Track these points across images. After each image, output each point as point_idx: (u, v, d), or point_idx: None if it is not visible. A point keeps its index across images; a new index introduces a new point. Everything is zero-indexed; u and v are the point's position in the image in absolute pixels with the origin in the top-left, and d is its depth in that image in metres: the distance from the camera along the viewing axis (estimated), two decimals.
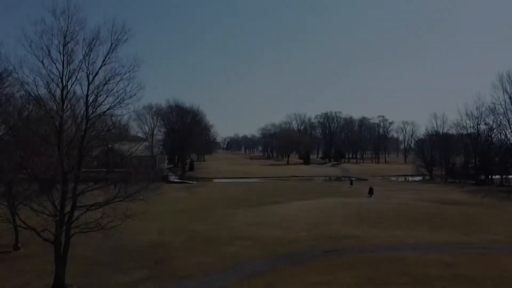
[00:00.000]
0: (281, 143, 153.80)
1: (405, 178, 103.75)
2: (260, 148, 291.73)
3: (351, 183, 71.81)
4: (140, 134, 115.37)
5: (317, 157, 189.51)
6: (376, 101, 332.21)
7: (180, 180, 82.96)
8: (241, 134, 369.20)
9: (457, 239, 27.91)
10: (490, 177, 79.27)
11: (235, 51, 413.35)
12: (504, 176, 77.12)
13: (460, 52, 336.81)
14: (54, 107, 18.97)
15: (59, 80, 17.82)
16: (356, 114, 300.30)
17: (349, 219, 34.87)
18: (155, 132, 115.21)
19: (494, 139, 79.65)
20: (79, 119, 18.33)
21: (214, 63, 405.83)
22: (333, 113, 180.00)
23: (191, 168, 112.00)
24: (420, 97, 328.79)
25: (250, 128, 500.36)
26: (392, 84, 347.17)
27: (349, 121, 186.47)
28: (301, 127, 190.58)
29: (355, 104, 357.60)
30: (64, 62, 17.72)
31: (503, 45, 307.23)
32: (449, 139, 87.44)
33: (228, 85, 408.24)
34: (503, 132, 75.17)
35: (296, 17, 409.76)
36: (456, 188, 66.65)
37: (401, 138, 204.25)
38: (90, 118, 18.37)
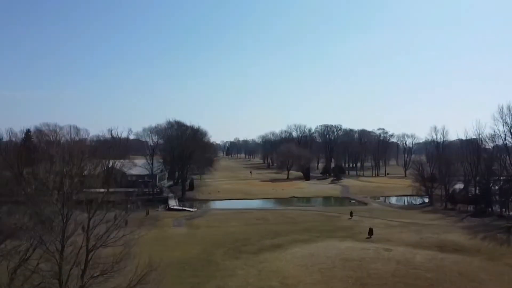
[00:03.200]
0: (281, 158, 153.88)
1: (405, 201, 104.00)
2: (260, 154, 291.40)
3: (351, 215, 71.89)
4: (140, 154, 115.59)
5: (317, 167, 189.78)
6: (376, 117, 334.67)
7: (180, 207, 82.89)
8: (241, 138, 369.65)
9: None
10: (489, 205, 79.23)
11: (236, 60, 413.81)
12: (503, 199, 77.17)
13: (463, 70, 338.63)
14: None
15: None
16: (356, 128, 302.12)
17: (348, 286, 34.98)
18: (156, 151, 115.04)
19: (494, 168, 79.60)
20: None
21: (216, 70, 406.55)
22: (333, 126, 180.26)
23: (191, 187, 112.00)
24: (421, 113, 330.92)
25: (250, 132, 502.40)
26: (393, 99, 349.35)
27: (349, 132, 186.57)
28: (301, 138, 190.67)
29: (355, 119, 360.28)
30: None
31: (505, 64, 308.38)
32: (449, 165, 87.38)
33: (230, 90, 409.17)
34: (503, 162, 75.13)
35: (299, 27, 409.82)
36: (456, 223, 66.67)
37: (400, 144, 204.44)
38: None
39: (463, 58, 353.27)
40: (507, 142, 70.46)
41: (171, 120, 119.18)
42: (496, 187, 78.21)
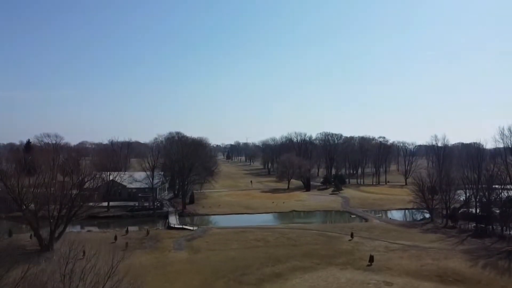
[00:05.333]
0: (282, 168, 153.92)
1: (406, 215, 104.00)
2: (260, 159, 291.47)
3: (352, 236, 71.86)
4: (140, 167, 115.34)
5: (317, 174, 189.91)
6: (377, 125, 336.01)
7: (180, 226, 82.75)
8: (241, 141, 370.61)
9: None
10: (490, 223, 79.09)
11: (239, 69, 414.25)
12: (504, 218, 77.10)
13: (463, 84, 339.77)
14: None
15: None
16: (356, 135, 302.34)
17: None
18: (156, 164, 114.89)
19: (495, 186, 79.48)
20: None
21: (221, 77, 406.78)
22: (334, 134, 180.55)
23: (192, 200, 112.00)
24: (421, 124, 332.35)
25: (250, 135, 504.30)
26: (393, 111, 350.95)
27: (349, 140, 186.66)
28: (302, 145, 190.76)
29: (356, 127, 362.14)
30: None
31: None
32: (450, 183, 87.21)
33: (233, 95, 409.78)
34: (503, 182, 75.05)
35: (303, 38, 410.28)
36: (456, 245, 66.61)
37: (402, 152, 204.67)
38: None
39: (465, 60, 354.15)
40: (508, 164, 70.29)
41: (172, 131, 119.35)
42: (497, 206, 78.00)
